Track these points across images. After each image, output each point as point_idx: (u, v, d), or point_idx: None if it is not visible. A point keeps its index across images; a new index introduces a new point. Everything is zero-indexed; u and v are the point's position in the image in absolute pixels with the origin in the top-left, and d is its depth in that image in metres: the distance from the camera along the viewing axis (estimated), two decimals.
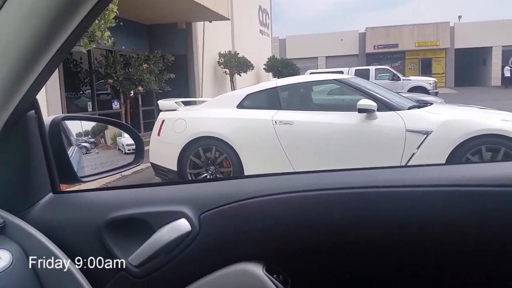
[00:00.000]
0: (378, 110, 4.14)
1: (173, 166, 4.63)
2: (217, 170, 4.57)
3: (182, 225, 0.79)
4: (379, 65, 22.53)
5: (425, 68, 30.98)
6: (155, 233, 0.80)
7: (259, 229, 0.80)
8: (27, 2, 0.63)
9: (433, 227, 0.75)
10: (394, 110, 4.20)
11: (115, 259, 0.81)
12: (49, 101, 6.23)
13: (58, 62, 0.77)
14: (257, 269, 0.78)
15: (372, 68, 17.54)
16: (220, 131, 4.49)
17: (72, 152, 1.05)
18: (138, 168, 5.93)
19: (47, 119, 0.93)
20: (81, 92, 9.26)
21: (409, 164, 4.00)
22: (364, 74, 15.85)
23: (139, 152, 1.11)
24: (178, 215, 0.81)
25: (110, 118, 1.22)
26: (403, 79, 17.07)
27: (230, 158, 4.47)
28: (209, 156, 4.55)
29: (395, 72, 17.68)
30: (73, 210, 0.88)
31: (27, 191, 0.85)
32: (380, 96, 4.40)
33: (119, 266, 0.81)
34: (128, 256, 0.81)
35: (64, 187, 0.97)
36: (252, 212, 0.81)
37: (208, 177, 4.59)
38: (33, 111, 0.84)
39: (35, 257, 0.76)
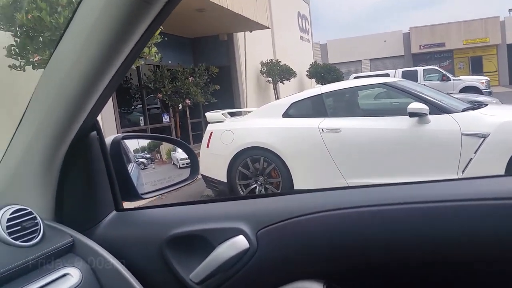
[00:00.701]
0: (430, 114, 3.98)
1: (223, 178, 4.68)
2: (266, 181, 4.56)
3: (240, 242, 0.80)
4: (427, 65, 21.73)
5: (476, 67, 29.52)
6: (214, 250, 0.81)
7: (318, 246, 0.79)
8: (85, 31, 0.67)
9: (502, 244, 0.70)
10: (447, 113, 4.02)
11: (177, 275, 0.83)
12: (104, 117, 6.53)
13: (115, 85, 0.80)
14: None
15: (420, 69, 16.91)
16: (267, 141, 4.49)
17: (131, 168, 1.09)
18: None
19: (107, 139, 0.97)
20: (133, 107, 9.65)
21: (467, 169, 3.81)
22: (411, 76, 15.34)
23: (194, 167, 1.14)
24: (235, 232, 0.81)
25: (164, 135, 1.26)
26: (453, 79, 16.34)
27: (278, 168, 4.45)
28: (258, 167, 4.55)
29: (444, 72, 16.97)
30: (136, 228, 0.91)
31: (92, 209, 0.89)
32: (431, 99, 4.23)
33: (181, 283, 0.82)
34: (188, 272, 0.82)
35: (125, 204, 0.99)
36: (310, 229, 0.80)
37: (257, 188, 4.59)
38: (95, 132, 0.88)
39: (102, 274, 0.79)
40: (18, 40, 4.43)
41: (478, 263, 0.72)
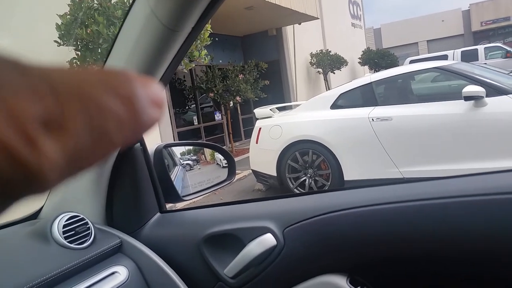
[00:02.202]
0: (487, 96, 3.78)
1: (273, 172, 4.76)
2: (316, 173, 4.58)
3: (268, 240, 0.86)
4: (489, 43, 20.26)
5: None
6: (244, 247, 0.88)
7: (341, 242, 0.83)
8: (125, 53, 0.77)
9: None
10: (506, 94, 3.79)
11: (213, 271, 0.91)
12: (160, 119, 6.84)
13: None
14: (341, 281, 0.81)
15: (480, 48, 15.81)
16: (315, 134, 4.50)
17: (177, 171, 1.20)
18: (241, 175, 6.21)
19: (151, 148, 1.08)
20: (187, 107, 10.00)
21: None
22: (472, 55, 14.44)
23: (232, 169, 1.22)
24: (264, 230, 0.87)
25: (204, 142, 1.37)
26: None
27: (327, 160, 4.45)
28: (307, 160, 4.58)
29: (509, 48, 15.73)
30: (177, 228, 1.00)
31: (138, 213, 1.00)
32: (488, 80, 4.00)
33: (217, 277, 0.91)
34: (223, 268, 0.90)
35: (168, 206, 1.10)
36: (334, 226, 0.84)
37: (307, 180, 4.63)
38: (138, 144, 0.99)
39: (147, 271, 0.89)
40: (79, 53, 4.80)
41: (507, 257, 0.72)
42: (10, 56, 0.15)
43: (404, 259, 0.79)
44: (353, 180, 4.33)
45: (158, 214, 1.02)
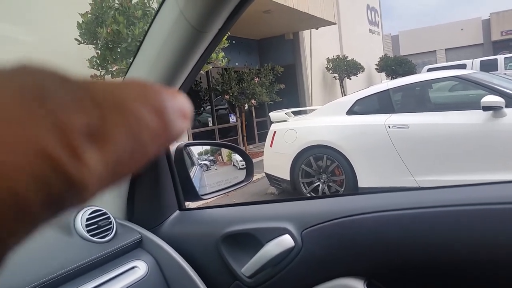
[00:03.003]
0: (506, 107, 3.73)
1: (286, 176, 4.75)
2: (329, 179, 4.56)
3: (286, 241, 0.86)
4: (509, 53, 19.94)
5: None
6: (262, 247, 0.88)
7: (359, 246, 0.83)
8: (152, 58, 0.79)
9: None
10: None
11: (231, 269, 0.92)
12: None
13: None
14: (358, 285, 0.81)
15: (500, 58, 15.55)
16: (330, 139, 4.49)
17: (195, 171, 1.21)
18: (255, 178, 6.23)
19: (172, 146, 1.09)
20: (202, 108, 10.07)
21: None
22: (491, 65, 14.22)
23: (250, 170, 1.23)
24: (282, 231, 0.88)
25: (223, 142, 1.37)
26: None
27: (341, 166, 4.42)
28: (321, 165, 4.57)
29: None
30: (195, 226, 1.01)
31: (158, 209, 1.01)
32: (508, 91, 3.94)
33: (234, 276, 0.91)
34: (241, 267, 0.91)
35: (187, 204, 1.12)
36: (351, 229, 0.84)
37: (320, 186, 4.61)
38: None
39: (166, 267, 0.90)
40: (99, 52, 4.87)
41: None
42: (55, 69, 0.15)
43: (421, 265, 0.78)
44: (367, 187, 4.30)
45: (177, 211, 1.04)
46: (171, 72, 0.79)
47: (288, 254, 0.86)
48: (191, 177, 1.14)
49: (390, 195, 0.89)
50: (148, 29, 0.79)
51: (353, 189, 4.36)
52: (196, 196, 1.08)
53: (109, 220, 0.88)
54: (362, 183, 4.32)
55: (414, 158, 4.12)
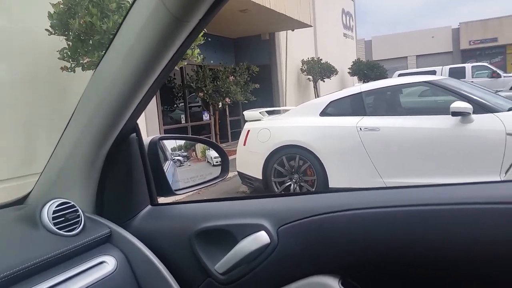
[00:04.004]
0: (474, 113, 3.87)
1: (259, 175, 4.77)
2: (301, 179, 4.60)
3: (262, 237, 0.85)
4: (476, 62, 20.75)
5: None
6: (237, 243, 0.87)
7: (335, 243, 0.83)
8: (128, 46, 0.76)
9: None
10: (492, 112, 3.88)
11: (204, 266, 0.90)
12: (147, 116, 6.80)
13: (153, 93, 0.89)
14: (332, 282, 0.81)
15: (468, 66, 16.19)
16: (303, 139, 4.53)
17: (167, 166, 1.18)
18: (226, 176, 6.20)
19: (146, 139, 1.06)
20: (175, 105, 9.95)
21: (510, 171, 3.66)
22: (459, 73, 14.76)
23: (225, 167, 1.22)
24: (258, 228, 0.87)
25: (198, 137, 1.34)
26: (504, 76, 15.52)
27: (313, 166, 4.47)
28: (293, 165, 4.60)
29: (495, 68, 16.13)
30: (168, 221, 0.98)
31: (129, 204, 0.98)
32: (476, 98, 4.09)
33: (207, 273, 0.90)
34: (214, 264, 0.89)
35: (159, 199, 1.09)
36: (328, 227, 0.84)
37: (292, 185, 4.64)
38: (134, 134, 0.97)
39: (135, 263, 0.87)
40: (71, 43, 4.72)
41: (487, 265, 0.74)
42: None
43: (397, 263, 0.79)
44: (338, 188, 4.36)
45: (149, 206, 1.01)
46: (147, 62, 0.76)
47: (263, 250, 0.85)
48: (165, 171, 1.11)
49: (366, 193, 0.89)
50: (125, 16, 0.76)
51: (325, 189, 4.41)
52: (169, 191, 1.05)
53: (77, 213, 0.85)
54: (332, 183, 4.38)
55: (383, 160, 4.22)
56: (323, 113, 4.68)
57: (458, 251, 0.75)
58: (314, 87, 14.93)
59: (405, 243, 0.79)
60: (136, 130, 0.98)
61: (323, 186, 4.43)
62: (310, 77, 14.49)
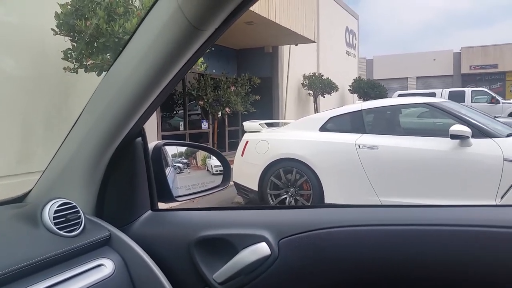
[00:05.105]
0: (472, 137, 3.89)
1: (255, 186, 4.75)
2: (297, 192, 4.59)
3: (263, 249, 0.85)
4: (476, 86, 20.96)
5: None
6: (237, 254, 0.86)
7: (335, 259, 0.83)
8: (141, 52, 0.76)
9: (503, 270, 0.73)
10: (490, 137, 3.91)
11: (201, 274, 0.89)
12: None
13: (162, 99, 0.89)
14: None
15: (468, 90, 16.37)
16: (301, 153, 4.53)
17: (168, 172, 1.18)
18: None
19: (150, 144, 1.06)
20: (174, 112, 9.96)
21: (506, 196, 3.67)
22: (459, 96, 14.89)
23: (227, 175, 1.21)
24: (259, 239, 0.86)
25: (202, 144, 1.34)
26: (502, 102, 15.69)
27: (310, 181, 4.47)
28: (290, 178, 4.60)
29: (494, 94, 16.31)
30: (168, 227, 0.98)
31: (130, 208, 0.97)
32: (475, 122, 4.12)
33: (205, 282, 0.89)
34: (212, 272, 0.88)
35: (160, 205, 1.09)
36: (329, 242, 0.84)
37: (287, 199, 4.63)
38: (140, 138, 0.97)
39: (133, 267, 0.86)
40: (75, 44, 4.74)
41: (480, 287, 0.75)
42: None
43: (395, 281, 0.79)
44: (333, 204, 4.35)
45: (150, 211, 1.00)
46: (160, 68, 0.76)
47: (263, 262, 0.85)
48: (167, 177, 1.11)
49: (367, 210, 0.90)
50: (142, 19, 0.76)
51: (325, 204, 4.40)
52: (170, 197, 1.05)
53: (78, 215, 0.84)
54: (328, 199, 4.38)
55: (380, 178, 4.22)
56: (323, 129, 4.69)
57: (454, 273, 0.76)
58: (314, 102, 14.99)
59: (404, 262, 0.79)
60: (142, 134, 0.98)
61: (318, 201, 4.42)
62: (311, 92, 14.56)
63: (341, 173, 4.39)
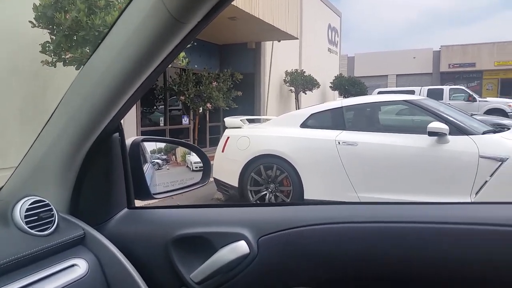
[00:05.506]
0: (450, 134, 3.97)
1: (235, 182, 4.76)
2: (277, 189, 4.62)
3: (242, 247, 0.84)
4: (454, 84, 21.44)
5: (505, 89, 28.73)
6: (216, 252, 0.86)
7: (315, 257, 0.83)
8: (120, 44, 0.74)
9: (478, 266, 0.75)
10: (467, 135, 4.00)
11: (179, 274, 0.88)
12: (126, 116, 6.71)
13: (143, 91, 0.86)
14: None
15: (446, 88, 16.71)
16: (282, 150, 4.55)
17: (146, 169, 1.16)
18: None
19: (128, 140, 1.04)
20: (155, 107, 9.84)
21: (480, 192, 3.77)
22: (437, 94, 15.19)
23: (207, 172, 1.20)
24: (238, 237, 0.86)
25: (182, 140, 1.32)
26: (479, 100, 16.06)
27: (290, 177, 4.50)
28: (270, 174, 4.62)
29: (471, 92, 16.68)
30: (144, 226, 0.96)
31: (106, 205, 0.95)
32: (453, 119, 4.21)
33: (182, 281, 0.88)
34: (190, 272, 0.87)
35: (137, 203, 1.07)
36: (308, 240, 0.84)
37: (267, 195, 4.65)
38: (117, 134, 0.95)
39: (108, 267, 0.84)
40: (54, 37, 4.64)
41: (449, 283, 0.76)
42: None
43: (374, 277, 0.80)
44: (312, 200, 4.39)
45: (126, 209, 0.98)
46: (139, 61, 0.74)
47: (242, 261, 0.84)
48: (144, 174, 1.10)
49: (346, 207, 0.90)
50: (122, 11, 0.73)
51: (299, 200, 4.44)
52: (148, 195, 1.03)
53: (51, 213, 0.81)
54: (308, 195, 4.41)
55: (359, 175, 4.28)
56: (304, 125, 4.72)
57: (435, 269, 0.77)
58: (295, 98, 15.04)
59: (383, 259, 0.80)
60: (120, 129, 0.95)
61: (298, 197, 4.45)
62: (293, 88, 14.60)
63: (321, 169, 4.43)
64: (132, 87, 0.80)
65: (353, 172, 4.27)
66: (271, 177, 4.61)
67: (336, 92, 19.75)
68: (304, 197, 4.42)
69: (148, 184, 1.07)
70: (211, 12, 0.70)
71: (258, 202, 4.66)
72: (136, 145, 1.04)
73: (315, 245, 0.83)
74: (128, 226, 0.95)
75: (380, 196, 4.11)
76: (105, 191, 0.95)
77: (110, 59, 0.76)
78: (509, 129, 4.60)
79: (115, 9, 4.47)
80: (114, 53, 0.75)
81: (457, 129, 4.05)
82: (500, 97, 21.21)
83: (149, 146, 1.24)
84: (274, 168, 4.58)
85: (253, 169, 4.67)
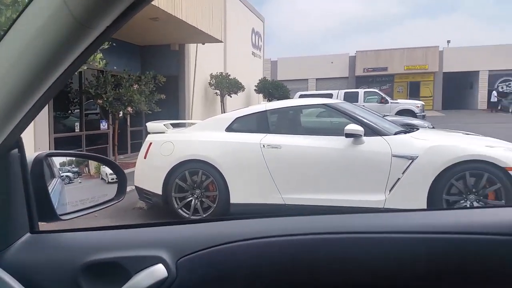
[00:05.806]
0: (365, 135, 4.21)
1: (158, 190, 4.60)
2: (203, 194, 4.56)
3: (159, 271, 0.79)
4: (368, 88, 22.98)
5: (414, 91, 31.55)
6: (130, 279, 0.79)
7: (237, 276, 0.80)
8: (18, 50, 0.65)
9: (418, 274, 0.76)
10: (380, 135, 4.27)
11: None
12: (37, 121, 6.20)
13: (46, 101, 0.76)
14: None
15: (361, 91, 17.86)
16: (207, 154, 4.50)
17: (54, 184, 1.05)
18: None
19: (30, 156, 0.93)
20: (69, 111, 9.22)
21: (394, 189, 4.04)
22: (353, 97, 16.13)
23: (122, 188, 1.11)
24: (155, 260, 0.80)
25: (94, 154, 1.21)
26: (391, 102, 17.38)
27: (216, 182, 4.46)
28: (195, 180, 4.54)
29: (383, 95, 17.99)
30: (50, 252, 0.87)
31: (4, 231, 0.84)
32: (367, 121, 4.47)
33: None
34: None
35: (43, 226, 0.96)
36: (229, 258, 0.81)
37: (193, 201, 4.57)
38: (16, 150, 0.84)
39: None
40: None
41: None
42: None
43: None
44: (238, 203, 4.40)
45: (28, 234, 0.88)
46: (40, 68, 0.65)
47: (159, 286, 0.78)
48: (50, 192, 0.99)
49: (267, 220, 0.88)
50: (21, 12, 0.64)
51: (225, 205, 4.43)
52: (53, 216, 0.93)
53: None
54: (234, 199, 4.41)
55: (283, 177, 4.38)
56: (229, 129, 4.72)
57: (378, 279, 0.78)
58: (221, 101, 15.05)
59: (310, 271, 0.79)
60: (19, 145, 0.85)
61: (224, 202, 4.43)
62: (218, 91, 14.59)
63: (246, 172, 4.45)
64: (33, 97, 0.71)
65: (278, 174, 4.36)
66: (197, 182, 4.54)
67: (261, 95, 20.13)
68: (231, 201, 4.41)
69: (55, 204, 0.97)
70: (120, 17, 0.63)
71: (183, 209, 4.56)
72: (39, 162, 0.93)
73: (237, 262, 0.80)
74: (31, 253, 0.85)
75: (303, 196, 4.24)
76: (3, 215, 0.84)
77: (5, 68, 0.66)
78: (418, 129, 5.01)
79: (24, 5, 4.10)
80: (12, 60, 0.65)
81: (372, 130, 4.31)
82: (409, 99, 23.18)
83: (58, 159, 1.12)
84: (199, 173, 4.51)
85: (177, 175, 4.55)
